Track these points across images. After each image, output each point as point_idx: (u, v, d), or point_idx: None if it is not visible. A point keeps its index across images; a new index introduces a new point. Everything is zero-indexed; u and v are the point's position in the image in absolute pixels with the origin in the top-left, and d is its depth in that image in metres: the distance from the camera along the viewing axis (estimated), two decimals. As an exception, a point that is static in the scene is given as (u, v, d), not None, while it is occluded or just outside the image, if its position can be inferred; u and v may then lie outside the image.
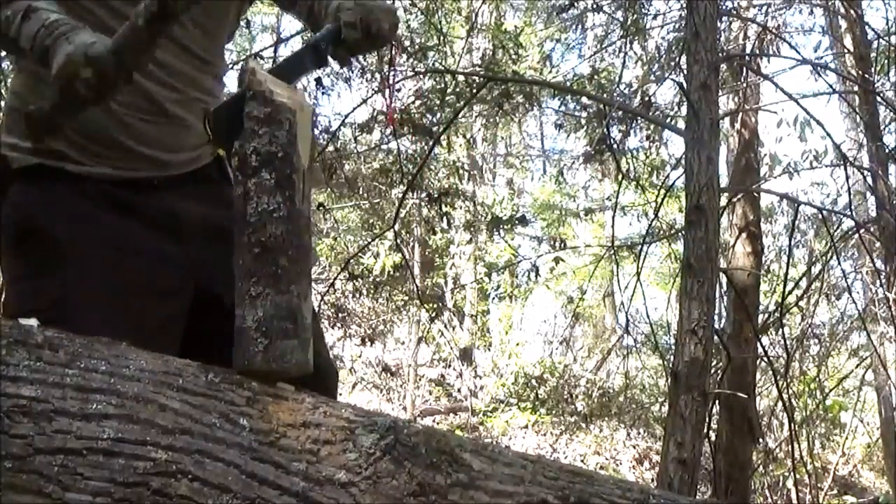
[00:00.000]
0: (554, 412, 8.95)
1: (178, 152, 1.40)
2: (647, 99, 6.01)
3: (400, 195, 6.39)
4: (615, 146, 5.62)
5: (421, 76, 6.15)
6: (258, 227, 0.93)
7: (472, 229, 9.72)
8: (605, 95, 6.15)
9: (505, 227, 9.10)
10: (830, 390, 7.10)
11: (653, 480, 6.78)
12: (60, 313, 1.17)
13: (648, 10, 6.39)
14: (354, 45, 1.24)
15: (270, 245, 0.93)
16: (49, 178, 1.30)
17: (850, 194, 5.52)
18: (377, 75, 5.84)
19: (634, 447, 8.54)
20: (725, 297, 5.56)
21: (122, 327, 1.20)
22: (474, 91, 5.33)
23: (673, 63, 6.00)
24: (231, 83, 1.58)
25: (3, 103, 1.43)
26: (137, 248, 1.31)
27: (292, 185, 0.96)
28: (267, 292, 0.93)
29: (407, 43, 6.26)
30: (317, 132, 5.34)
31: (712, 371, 4.08)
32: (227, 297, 1.30)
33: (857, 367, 7.23)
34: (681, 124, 4.68)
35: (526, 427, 8.93)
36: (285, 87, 1.00)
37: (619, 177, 5.51)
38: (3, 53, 4.80)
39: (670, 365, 3.65)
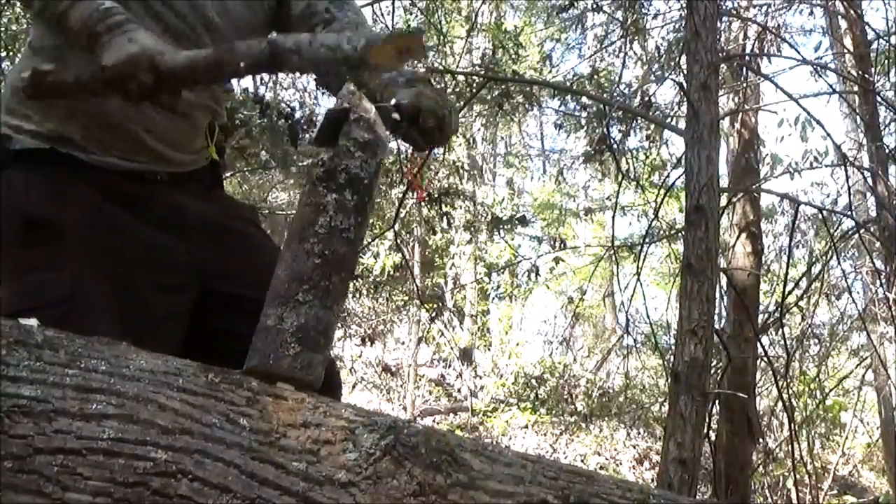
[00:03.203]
0: (554, 412, 8.96)
1: (183, 151, 1.42)
2: (647, 99, 6.01)
3: (400, 195, 6.40)
4: (615, 146, 5.62)
5: (421, 76, 6.14)
6: (325, 240, 0.95)
7: (472, 229, 9.73)
8: (605, 95, 6.15)
9: (505, 227, 9.12)
10: (830, 390, 7.10)
11: (653, 480, 6.78)
12: (72, 308, 1.17)
13: (648, 10, 6.40)
14: (429, 133, 1.26)
15: (332, 260, 0.95)
16: (54, 165, 1.28)
17: (850, 194, 5.52)
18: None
19: (634, 447, 8.54)
20: (725, 297, 5.56)
21: (130, 321, 1.20)
22: (474, 91, 5.34)
23: (673, 63, 6.00)
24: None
25: (3, 84, 1.42)
26: (144, 242, 1.31)
27: (365, 213, 0.99)
28: (314, 303, 0.94)
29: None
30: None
31: (712, 371, 4.09)
32: (241, 293, 1.29)
33: (857, 367, 7.24)
34: (681, 124, 4.69)
35: (526, 427, 8.93)
36: (381, 121, 1.03)
37: (619, 177, 5.50)
38: (4, 53, 4.81)
39: (670, 365, 3.65)
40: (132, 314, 1.24)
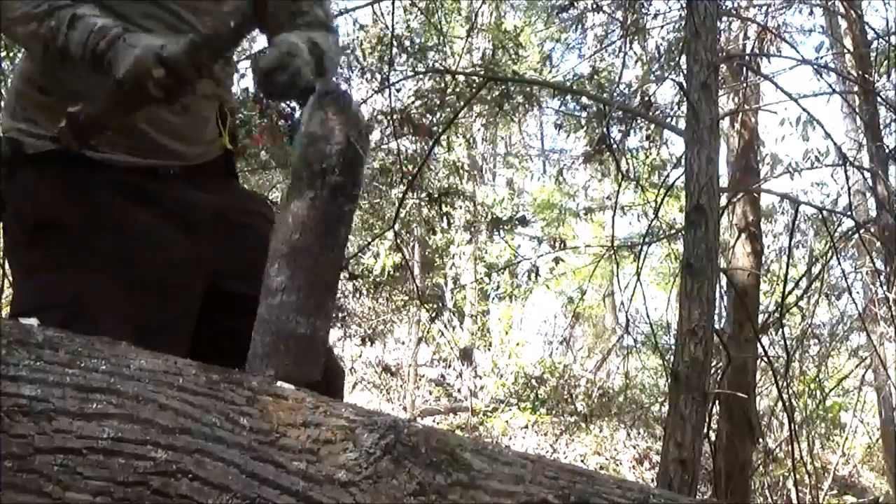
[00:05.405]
0: (554, 412, 8.95)
1: (193, 144, 1.41)
2: (647, 99, 6.01)
3: (400, 195, 6.40)
4: (615, 146, 5.62)
5: (421, 76, 6.17)
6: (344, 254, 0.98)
7: (472, 229, 9.73)
8: (605, 95, 6.15)
9: (505, 227, 9.11)
10: (830, 390, 7.10)
11: (653, 480, 6.77)
12: (81, 307, 1.17)
13: (648, 10, 6.39)
14: (283, 87, 1.24)
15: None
16: (64, 165, 1.28)
17: (850, 194, 5.53)
18: (377, 75, 5.86)
19: (634, 447, 8.54)
20: (725, 297, 5.56)
21: (139, 321, 1.20)
22: (474, 91, 5.33)
23: (673, 63, 6.00)
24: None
25: (8, 86, 1.44)
26: (153, 239, 1.31)
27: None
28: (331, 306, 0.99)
29: (407, 43, 6.27)
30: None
31: (712, 371, 4.08)
32: (245, 292, 1.30)
33: (857, 367, 7.23)
34: (681, 124, 4.68)
35: (526, 427, 8.93)
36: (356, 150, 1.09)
37: (619, 177, 5.50)
38: (3, 54, 4.80)
39: (670, 365, 3.65)
40: (143, 315, 1.24)
